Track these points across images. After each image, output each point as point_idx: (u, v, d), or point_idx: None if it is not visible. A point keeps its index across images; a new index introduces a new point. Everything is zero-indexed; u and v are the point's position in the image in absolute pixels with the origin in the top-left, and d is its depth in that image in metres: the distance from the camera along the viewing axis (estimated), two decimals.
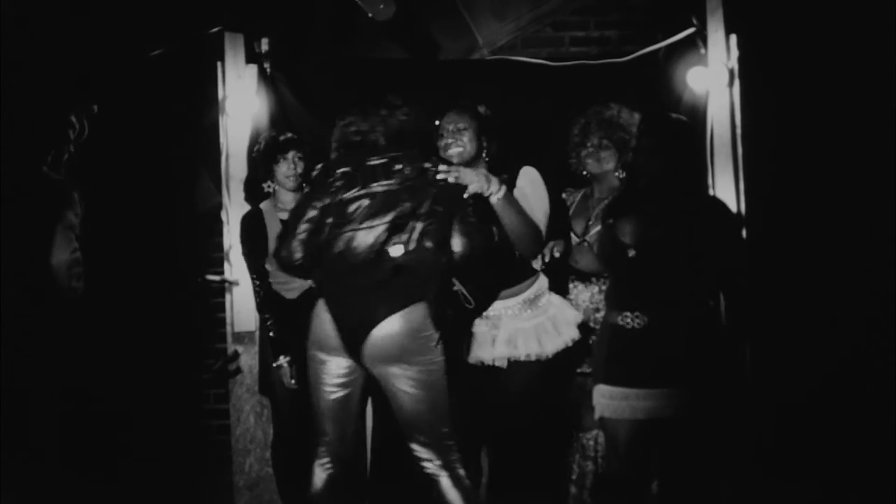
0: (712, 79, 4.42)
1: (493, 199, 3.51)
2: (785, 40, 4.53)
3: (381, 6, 4.36)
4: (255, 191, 4.39)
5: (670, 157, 3.50)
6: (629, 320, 3.49)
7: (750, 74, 4.41)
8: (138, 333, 4.58)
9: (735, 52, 4.41)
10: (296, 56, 4.66)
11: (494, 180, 3.51)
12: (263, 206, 4.18)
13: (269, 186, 4.19)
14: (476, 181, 3.46)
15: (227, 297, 4.47)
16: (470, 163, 3.69)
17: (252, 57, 4.52)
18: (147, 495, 4.40)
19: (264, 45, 4.54)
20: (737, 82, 4.42)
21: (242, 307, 4.40)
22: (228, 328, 4.45)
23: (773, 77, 4.49)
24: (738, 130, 4.42)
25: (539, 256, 3.74)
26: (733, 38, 4.42)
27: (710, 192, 3.67)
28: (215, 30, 4.44)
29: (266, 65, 4.53)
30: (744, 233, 3.72)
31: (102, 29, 4.39)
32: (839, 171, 4.51)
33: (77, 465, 4.07)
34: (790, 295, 4.47)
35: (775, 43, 4.52)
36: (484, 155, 3.76)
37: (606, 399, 3.51)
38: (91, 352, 4.42)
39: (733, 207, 4.38)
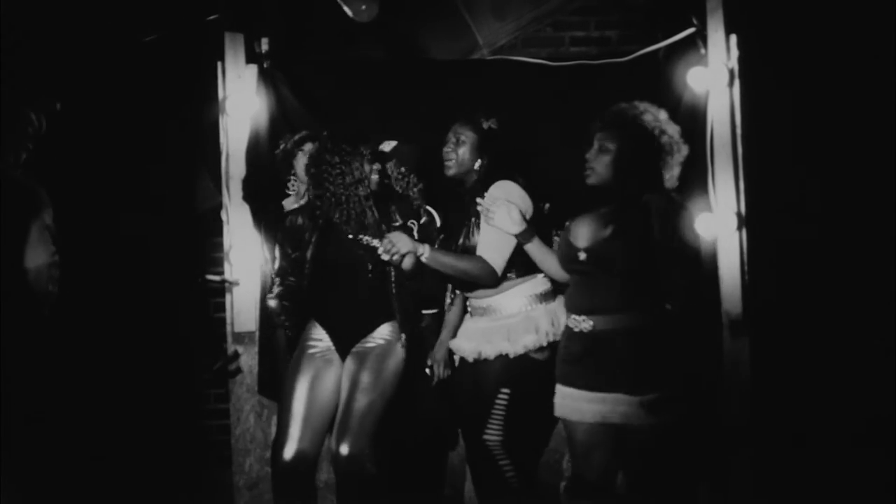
0: (712, 79, 4.42)
1: (423, 259, 3.72)
2: (785, 40, 4.54)
3: (363, 7, 4.33)
4: (254, 190, 4.40)
5: (617, 156, 3.46)
6: (578, 323, 3.47)
7: (750, 74, 4.41)
8: (138, 334, 4.57)
9: (735, 52, 4.41)
10: (296, 56, 4.66)
11: (416, 247, 3.70)
12: (286, 203, 4.26)
13: (292, 186, 4.25)
14: (400, 244, 3.67)
15: (227, 297, 4.47)
16: (462, 175, 3.90)
17: (252, 57, 4.52)
18: (147, 495, 4.40)
19: (264, 45, 4.53)
20: (737, 82, 4.42)
21: (242, 307, 4.40)
22: (228, 328, 4.45)
23: (773, 77, 4.49)
24: (738, 130, 4.42)
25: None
26: (733, 38, 4.42)
27: (673, 193, 3.52)
28: (213, 17, 4.41)
29: (266, 64, 4.54)
30: (698, 238, 3.57)
31: (101, 28, 4.39)
32: (839, 170, 4.51)
33: (76, 464, 4.06)
34: (790, 295, 4.47)
35: (775, 43, 4.52)
36: (476, 167, 3.90)
37: (560, 399, 3.52)
38: (90, 352, 4.43)
39: (733, 207, 4.39)
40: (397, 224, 3.90)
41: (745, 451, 4.34)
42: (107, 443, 4.45)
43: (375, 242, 3.71)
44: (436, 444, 4.29)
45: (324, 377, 3.85)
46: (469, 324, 3.93)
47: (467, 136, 3.91)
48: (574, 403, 3.46)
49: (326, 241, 3.86)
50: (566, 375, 3.50)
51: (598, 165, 3.49)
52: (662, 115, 3.54)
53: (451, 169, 3.92)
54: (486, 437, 3.77)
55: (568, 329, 3.52)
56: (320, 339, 3.90)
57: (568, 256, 3.54)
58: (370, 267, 3.83)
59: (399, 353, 3.87)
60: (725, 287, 4.39)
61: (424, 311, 4.17)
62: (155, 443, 4.56)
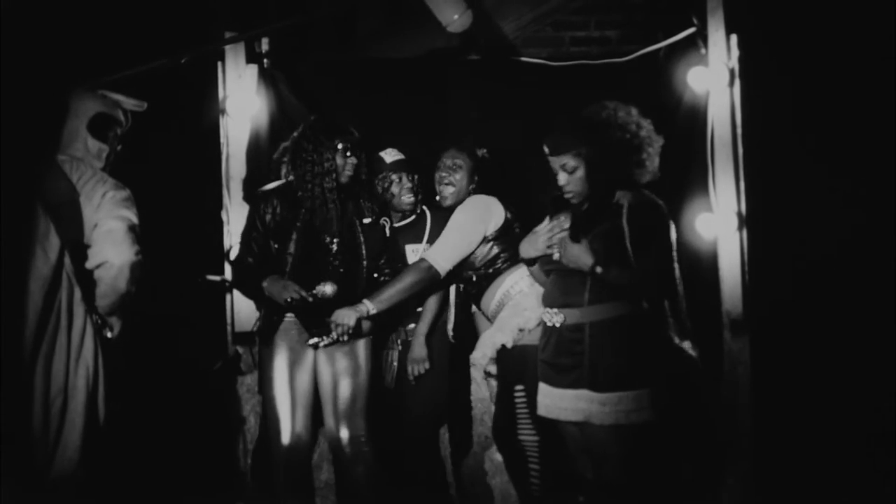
0: (713, 79, 4.42)
1: (373, 312, 3.80)
2: (786, 40, 4.53)
3: (456, 16, 4.30)
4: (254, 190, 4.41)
5: (588, 169, 3.43)
6: (550, 317, 3.45)
7: (750, 74, 4.40)
8: (137, 333, 4.56)
9: (735, 52, 4.41)
10: (296, 56, 4.66)
11: (361, 310, 3.79)
12: None
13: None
14: (347, 320, 3.76)
15: (228, 297, 4.47)
16: (458, 199, 4.00)
17: (252, 57, 4.52)
18: (146, 494, 4.39)
19: (264, 45, 4.54)
20: (737, 82, 4.42)
21: (242, 307, 4.40)
22: (228, 328, 4.45)
23: (773, 77, 4.48)
24: (739, 130, 4.42)
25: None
26: (734, 37, 4.42)
27: (645, 190, 3.49)
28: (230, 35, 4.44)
29: (266, 64, 4.54)
30: (672, 236, 3.46)
31: (101, 28, 4.39)
32: (839, 170, 4.50)
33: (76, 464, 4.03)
34: (790, 295, 4.46)
35: (776, 43, 4.51)
36: (470, 190, 4.03)
37: (541, 397, 3.51)
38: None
39: (733, 207, 4.39)
40: (368, 220, 3.96)
41: (745, 451, 4.34)
42: (105, 443, 4.44)
43: (330, 337, 3.84)
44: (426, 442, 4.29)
45: (300, 361, 3.91)
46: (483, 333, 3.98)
47: (463, 162, 4.01)
48: (551, 401, 3.44)
49: (305, 235, 3.90)
50: (543, 372, 3.50)
51: (574, 186, 3.48)
52: (634, 111, 3.51)
53: (449, 199, 4.03)
54: (520, 437, 3.83)
55: (543, 324, 3.51)
56: (291, 323, 3.92)
57: (544, 257, 3.54)
58: (335, 261, 3.89)
59: (366, 333, 3.95)
60: (725, 287, 4.39)
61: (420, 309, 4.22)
62: (154, 442, 4.55)
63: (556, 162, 3.49)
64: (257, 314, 4.17)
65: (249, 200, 4.23)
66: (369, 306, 3.80)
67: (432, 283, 3.90)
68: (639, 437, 3.35)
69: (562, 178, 3.49)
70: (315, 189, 3.86)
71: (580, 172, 3.45)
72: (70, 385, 3.35)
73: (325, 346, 3.89)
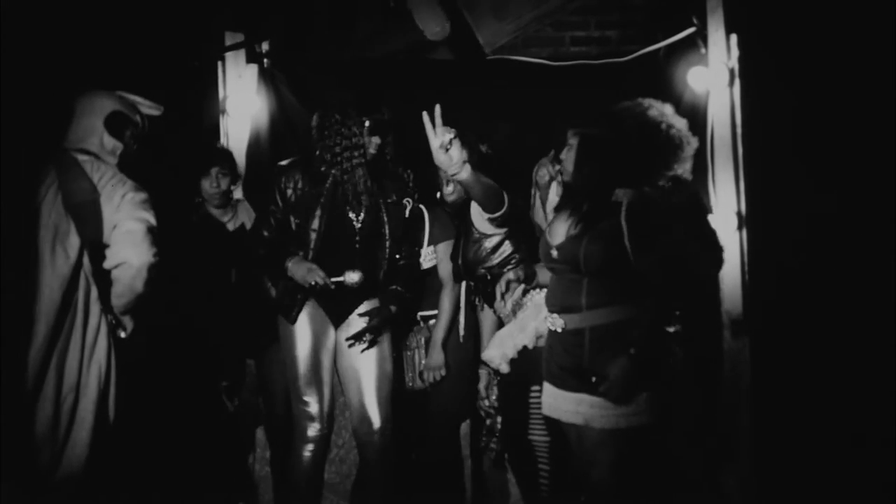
0: (712, 78, 4.42)
1: (460, 177, 3.44)
2: (786, 40, 4.52)
3: (437, 29, 4.49)
4: (254, 189, 4.41)
5: (577, 151, 3.42)
6: (553, 322, 3.42)
7: (750, 74, 4.41)
8: (137, 335, 4.57)
9: (735, 52, 4.42)
10: (296, 56, 4.66)
11: (462, 159, 3.42)
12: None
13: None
14: (449, 163, 3.39)
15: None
16: (462, 194, 3.97)
17: (252, 57, 4.53)
18: (147, 495, 4.39)
19: (264, 45, 4.55)
20: (737, 82, 4.42)
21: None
22: None
23: (774, 77, 4.48)
24: (739, 130, 4.43)
25: None
26: (733, 37, 4.42)
27: (648, 189, 3.37)
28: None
29: (266, 64, 4.55)
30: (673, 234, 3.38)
31: (103, 29, 4.40)
32: (840, 170, 4.50)
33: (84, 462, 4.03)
34: (790, 295, 4.46)
35: (775, 42, 4.51)
36: None
37: (544, 396, 3.50)
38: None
39: (733, 207, 4.39)
40: (391, 200, 3.93)
41: (745, 451, 4.34)
42: (106, 444, 4.44)
43: (368, 336, 3.87)
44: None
45: (322, 344, 3.89)
46: (499, 331, 3.97)
47: (467, 158, 3.91)
48: (554, 402, 3.43)
49: (329, 211, 3.85)
50: (547, 372, 3.48)
51: (566, 162, 3.48)
52: (668, 109, 3.45)
53: (453, 195, 4.02)
54: (531, 436, 3.81)
55: (547, 328, 3.49)
56: (312, 304, 3.90)
57: (545, 253, 3.51)
58: (358, 238, 3.85)
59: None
60: (725, 287, 4.40)
61: (424, 313, 4.21)
62: (153, 443, 4.55)
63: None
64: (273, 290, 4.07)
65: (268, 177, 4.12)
66: (465, 169, 3.43)
67: (504, 204, 3.69)
68: (633, 441, 3.33)
69: (563, 151, 3.50)
70: (344, 163, 3.80)
71: (572, 153, 3.45)
72: (82, 383, 3.36)
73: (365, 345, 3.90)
